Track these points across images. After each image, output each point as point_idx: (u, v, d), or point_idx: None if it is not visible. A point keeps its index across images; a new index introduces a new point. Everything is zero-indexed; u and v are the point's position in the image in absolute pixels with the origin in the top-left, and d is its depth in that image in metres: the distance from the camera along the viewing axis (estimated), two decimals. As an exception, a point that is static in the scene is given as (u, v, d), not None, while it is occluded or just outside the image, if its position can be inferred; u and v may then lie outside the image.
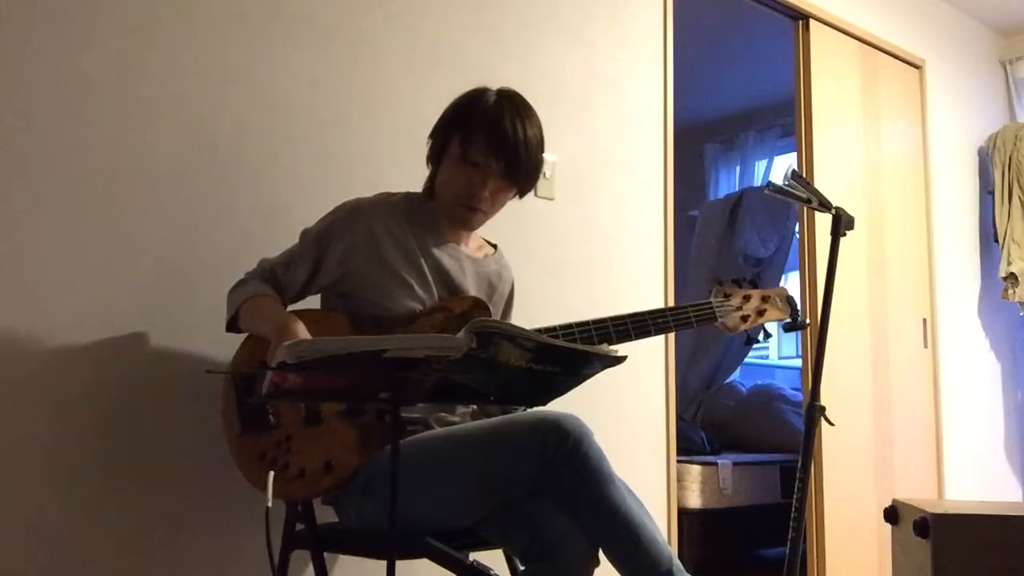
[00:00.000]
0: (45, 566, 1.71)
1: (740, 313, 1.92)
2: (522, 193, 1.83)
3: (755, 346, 2.06)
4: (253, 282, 1.78)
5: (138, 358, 1.85)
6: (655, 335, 1.83)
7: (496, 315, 1.91)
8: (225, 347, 1.81)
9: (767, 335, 1.98)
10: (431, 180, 1.85)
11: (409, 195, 1.87)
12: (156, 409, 1.86)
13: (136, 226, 1.88)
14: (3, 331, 1.71)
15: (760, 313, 1.93)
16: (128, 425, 1.83)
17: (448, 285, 1.81)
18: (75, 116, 1.82)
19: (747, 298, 1.93)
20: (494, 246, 1.98)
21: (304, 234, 1.81)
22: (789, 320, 1.94)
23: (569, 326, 1.75)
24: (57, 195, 1.79)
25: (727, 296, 1.92)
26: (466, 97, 1.80)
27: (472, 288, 1.84)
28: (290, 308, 1.76)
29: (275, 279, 1.79)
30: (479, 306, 1.78)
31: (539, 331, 1.70)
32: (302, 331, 1.62)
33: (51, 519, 1.73)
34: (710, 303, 1.89)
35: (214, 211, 1.99)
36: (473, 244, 1.92)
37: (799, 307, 1.96)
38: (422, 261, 1.78)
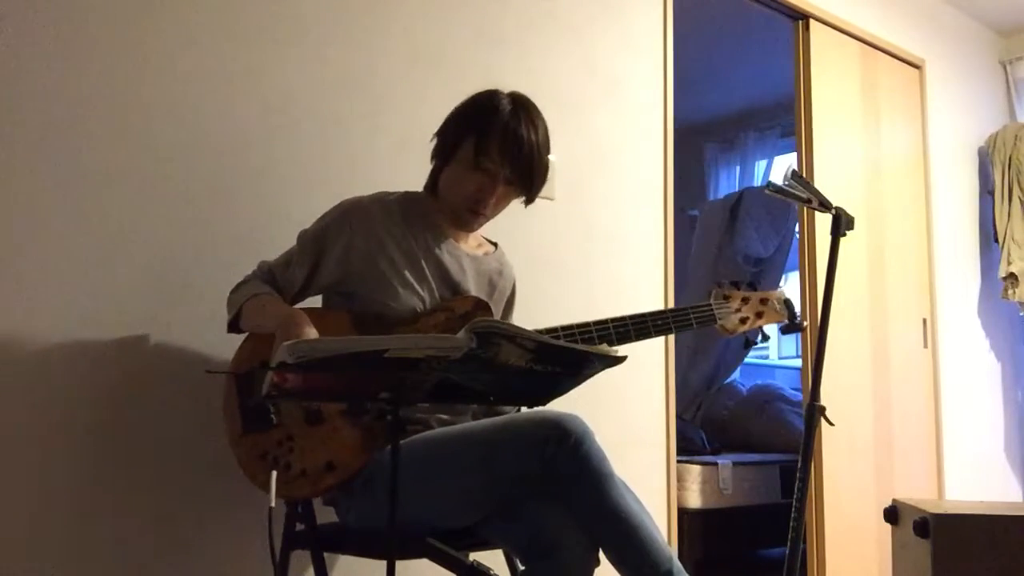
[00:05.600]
0: (43, 567, 1.71)
1: (739, 315, 1.92)
2: (529, 200, 1.82)
3: (755, 347, 2.06)
4: (253, 282, 1.78)
5: (138, 358, 1.85)
6: (655, 336, 1.84)
7: (497, 313, 1.91)
8: (225, 347, 1.81)
9: (765, 337, 1.98)
10: (434, 177, 1.83)
11: (407, 194, 1.86)
12: (156, 409, 1.86)
13: (136, 227, 1.88)
14: (2, 331, 1.71)
15: (758, 315, 1.94)
16: (128, 425, 1.83)
17: (448, 283, 1.80)
18: (76, 118, 1.82)
19: (745, 300, 1.93)
20: (494, 244, 1.98)
21: (302, 235, 1.80)
22: (787, 322, 1.95)
23: (570, 327, 1.75)
24: (58, 196, 1.79)
25: (726, 298, 1.93)
26: (481, 100, 1.77)
27: (472, 286, 1.84)
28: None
29: (273, 280, 1.79)
30: (481, 307, 1.78)
31: (540, 332, 1.70)
32: (307, 326, 1.61)
33: (49, 520, 1.73)
34: (710, 305, 1.89)
35: (215, 212, 1.99)
36: (473, 242, 1.91)
37: (796, 309, 1.97)
38: (421, 260, 1.78)
